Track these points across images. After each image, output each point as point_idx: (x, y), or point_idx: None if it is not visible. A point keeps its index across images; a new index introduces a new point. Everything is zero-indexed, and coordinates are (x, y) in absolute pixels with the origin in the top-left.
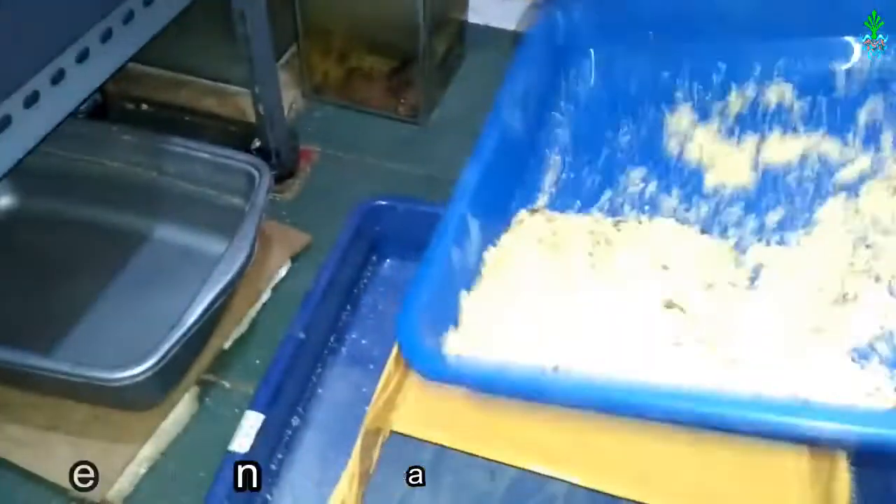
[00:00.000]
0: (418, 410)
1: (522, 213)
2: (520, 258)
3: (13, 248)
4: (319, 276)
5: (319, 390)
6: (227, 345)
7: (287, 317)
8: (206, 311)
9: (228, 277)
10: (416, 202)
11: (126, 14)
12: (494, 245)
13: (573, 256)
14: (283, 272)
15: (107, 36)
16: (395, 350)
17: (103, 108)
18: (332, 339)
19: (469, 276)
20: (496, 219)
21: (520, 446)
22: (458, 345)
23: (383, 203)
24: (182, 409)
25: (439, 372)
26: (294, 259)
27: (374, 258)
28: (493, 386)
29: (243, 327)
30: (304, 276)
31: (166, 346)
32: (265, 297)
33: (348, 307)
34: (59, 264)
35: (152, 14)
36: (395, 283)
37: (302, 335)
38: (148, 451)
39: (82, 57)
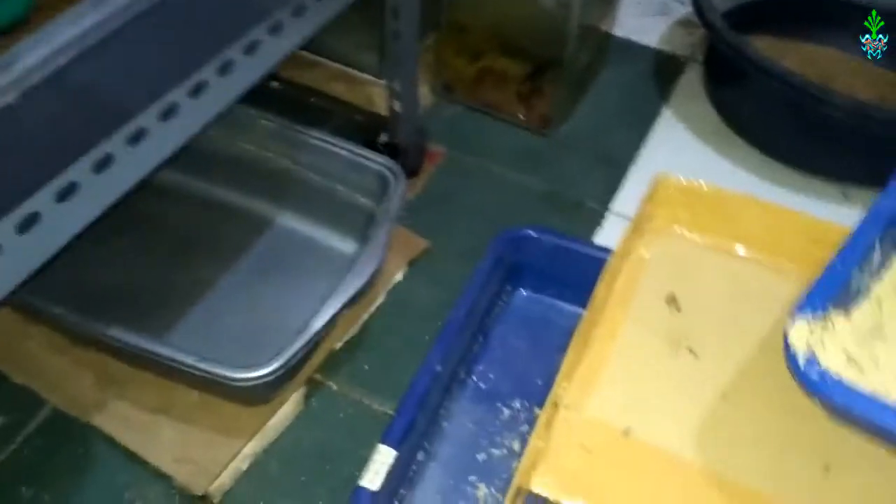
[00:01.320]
0: (564, 472)
1: None
2: None
3: (139, 218)
4: (458, 307)
5: (444, 424)
6: (338, 346)
7: (399, 324)
8: (333, 318)
9: (359, 286)
10: (561, 236)
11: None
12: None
13: None
14: (399, 276)
15: (277, 28)
16: (546, 408)
17: None
18: (461, 371)
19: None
20: None
21: None
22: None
23: (527, 233)
24: (289, 407)
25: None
26: (411, 264)
27: (508, 288)
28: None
29: (355, 330)
30: (418, 282)
31: (292, 351)
32: (379, 300)
33: (479, 338)
34: (183, 240)
35: (322, 8)
36: (528, 316)
37: (439, 368)
38: (252, 448)
39: (251, 49)
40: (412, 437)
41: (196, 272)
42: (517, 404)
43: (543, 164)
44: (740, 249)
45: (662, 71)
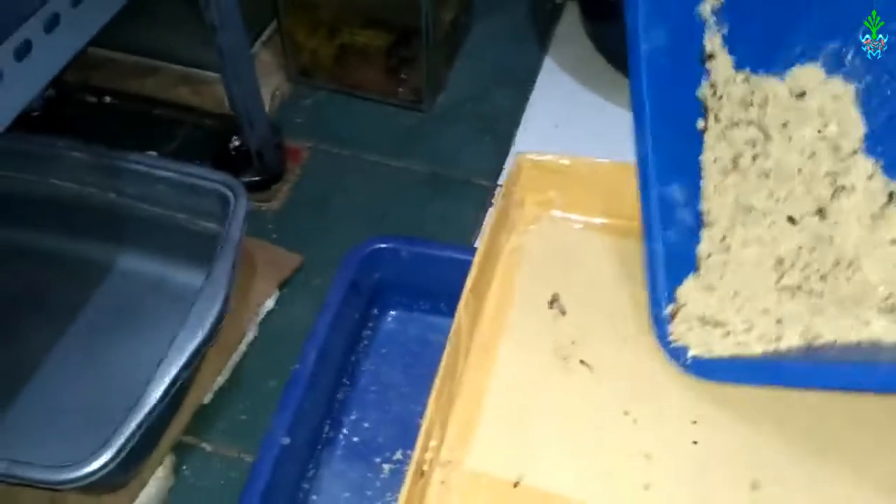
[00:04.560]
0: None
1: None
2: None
3: None
4: (306, 352)
5: (314, 497)
6: (207, 399)
7: (277, 359)
8: (172, 383)
9: (197, 342)
10: (423, 244)
11: None
12: None
13: None
14: (270, 304)
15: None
16: (414, 468)
17: (59, 103)
18: (326, 427)
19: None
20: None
21: None
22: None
23: (380, 246)
24: (155, 484)
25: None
26: (283, 286)
27: (374, 312)
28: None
29: (226, 375)
30: (294, 306)
31: (124, 437)
32: (250, 335)
33: (345, 381)
34: (5, 307)
35: None
36: (403, 341)
37: (286, 440)
38: None
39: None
40: None
41: (24, 342)
42: (399, 455)
43: (422, 142)
44: (623, 226)
45: (538, 16)
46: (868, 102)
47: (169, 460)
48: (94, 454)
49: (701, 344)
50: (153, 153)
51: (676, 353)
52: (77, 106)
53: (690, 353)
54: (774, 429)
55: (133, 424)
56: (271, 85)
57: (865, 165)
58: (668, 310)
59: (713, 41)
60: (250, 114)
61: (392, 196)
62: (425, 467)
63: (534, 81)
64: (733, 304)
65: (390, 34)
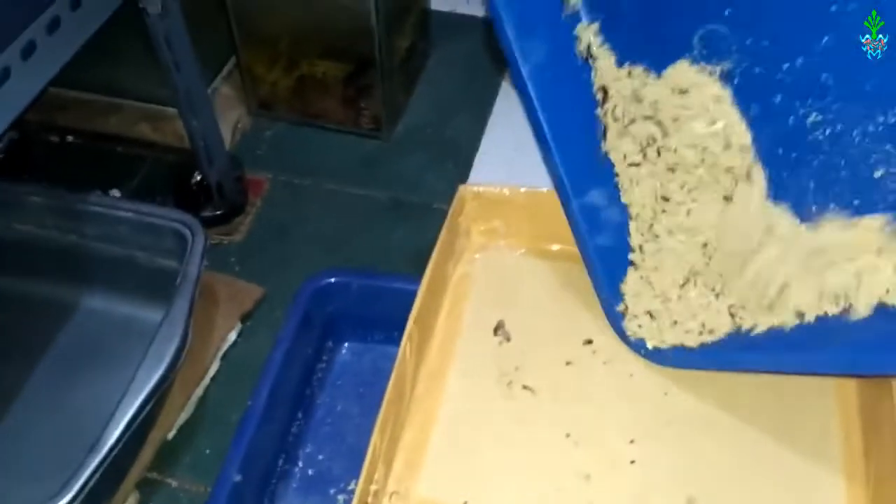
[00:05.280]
0: None
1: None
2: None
3: None
4: (259, 388)
5: None
6: (171, 435)
7: (240, 392)
8: (130, 423)
9: (154, 381)
10: (374, 276)
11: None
12: None
13: None
14: (232, 337)
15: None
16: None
17: (22, 144)
18: (280, 461)
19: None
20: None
21: None
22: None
23: (334, 280)
24: None
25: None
26: (245, 318)
27: (328, 344)
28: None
29: (189, 410)
30: (257, 338)
31: (83, 478)
32: (213, 369)
33: (299, 415)
34: None
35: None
36: (357, 371)
37: (238, 477)
38: None
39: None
40: None
41: None
42: (353, 485)
43: (382, 169)
44: (565, 250)
45: (494, 41)
46: (746, 103)
47: (134, 497)
48: (55, 496)
49: (654, 336)
50: (116, 191)
51: (637, 347)
52: (41, 146)
53: (648, 345)
54: (711, 445)
55: (92, 465)
56: (232, 119)
57: (757, 177)
58: (620, 308)
59: (590, 41)
60: (209, 149)
61: (354, 224)
62: (369, 499)
63: (491, 105)
64: (673, 293)
65: (347, 64)
